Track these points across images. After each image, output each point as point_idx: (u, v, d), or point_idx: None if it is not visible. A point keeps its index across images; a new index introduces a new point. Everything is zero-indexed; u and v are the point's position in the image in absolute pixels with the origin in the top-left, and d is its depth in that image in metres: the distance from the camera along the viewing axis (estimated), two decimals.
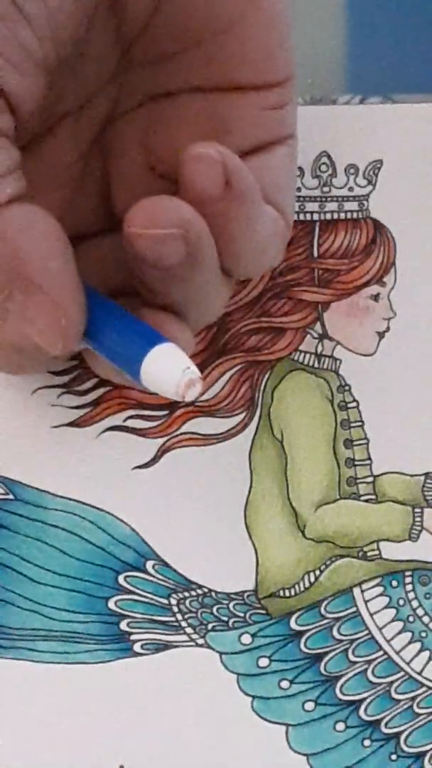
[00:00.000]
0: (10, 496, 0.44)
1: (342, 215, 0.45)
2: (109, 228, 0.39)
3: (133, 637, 0.44)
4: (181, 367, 0.34)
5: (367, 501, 0.45)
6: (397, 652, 0.44)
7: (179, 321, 0.37)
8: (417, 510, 0.45)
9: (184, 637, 0.44)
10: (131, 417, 0.44)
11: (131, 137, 0.39)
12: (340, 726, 0.44)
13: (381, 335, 0.45)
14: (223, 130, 0.38)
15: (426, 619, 0.45)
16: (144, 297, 0.37)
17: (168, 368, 0.34)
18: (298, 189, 0.45)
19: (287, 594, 0.44)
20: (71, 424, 0.44)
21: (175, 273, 0.35)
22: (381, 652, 0.44)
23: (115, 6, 0.36)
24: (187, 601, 0.44)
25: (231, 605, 0.44)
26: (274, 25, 0.37)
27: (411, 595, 0.45)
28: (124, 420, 0.44)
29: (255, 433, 0.44)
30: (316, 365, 0.45)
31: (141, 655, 0.44)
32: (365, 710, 0.44)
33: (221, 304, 0.38)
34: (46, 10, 0.33)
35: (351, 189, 0.45)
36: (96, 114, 0.39)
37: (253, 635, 0.44)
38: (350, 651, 0.44)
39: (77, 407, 0.44)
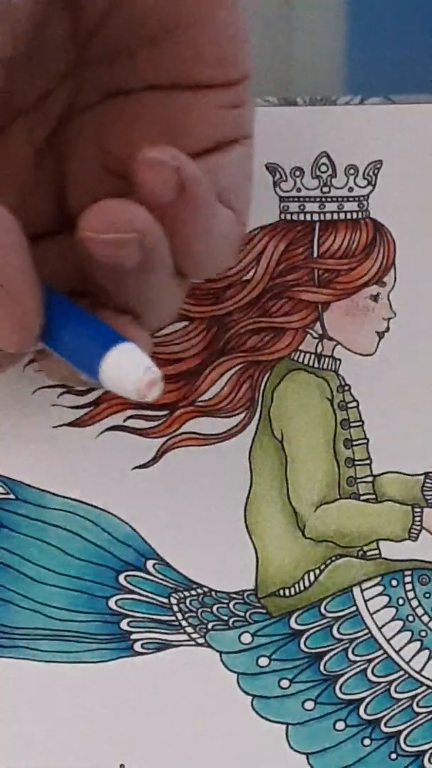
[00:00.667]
0: (11, 496, 0.44)
1: (342, 215, 0.45)
2: (63, 228, 0.39)
3: (133, 637, 0.44)
4: (141, 366, 0.33)
5: (366, 501, 0.45)
6: (397, 652, 0.44)
7: (135, 322, 0.36)
8: (417, 510, 0.45)
9: (185, 637, 0.44)
10: (131, 417, 0.44)
11: (86, 135, 0.38)
12: (340, 725, 0.44)
13: (381, 335, 0.45)
14: (179, 129, 0.37)
15: (426, 618, 0.45)
16: (98, 298, 0.36)
17: (128, 368, 0.33)
18: (298, 189, 0.45)
19: (287, 593, 0.44)
20: (71, 424, 0.44)
21: (129, 275, 0.35)
22: (381, 652, 0.44)
23: (72, 3, 0.36)
24: (188, 601, 0.44)
25: (231, 604, 0.44)
26: (231, 23, 0.37)
27: (410, 595, 0.45)
28: (124, 420, 0.44)
29: (255, 433, 0.44)
30: (316, 365, 0.45)
31: (141, 654, 0.44)
32: (365, 709, 0.44)
33: (176, 306, 0.38)
34: (2, 5, 0.33)
35: (351, 189, 0.45)
36: (51, 111, 0.38)
37: (253, 634, 0.44)
38: (350, 650, 0.44)
39: (77, 407, 0.44)
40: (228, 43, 0.37)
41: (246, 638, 0.44)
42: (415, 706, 0.44)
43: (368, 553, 0.45)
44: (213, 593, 0.44)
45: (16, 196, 0.38)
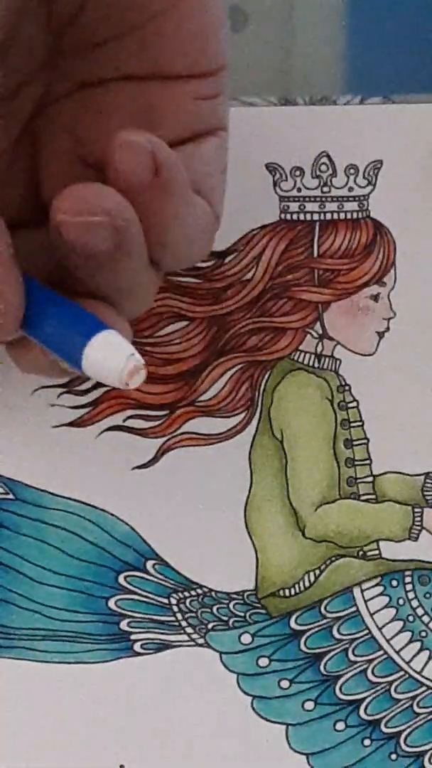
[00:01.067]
0: (11, 496, 0.44)
1: (342, 215, 0.45)
2: (37, 219, 0.38)
3: (133, 637, 0.44)
4: (124, 354, 0.33)
5: (367, 501, 0.45)
6: (397, 652, 0.44)
7: (113, 309, 0.36)
8: (417, 510, 0.45)
9: (184, 637, 0.44)
10: (131, 417, 0.44)
11: (61, 125, 0.38)
12: (340, 725, 0.44)
13: (381, 335, 0.45)
14: (154, 119, 0.37)
15: (426, 618, 0.45)
16: (72, 287, 0.36)
17: (111, 355, 0.33)
18: (299, 189, 0.45)
19: (287, 594, 0.44)
20: (71, 424, 0.44)
21: (103, 262, 0.35)
22: (381, 652, 0.44)
23: None
24: (187, 601, 0.44)
25: (231, 605, 0.44)
26: (207, 14, 0.37)
27: (411, 595, 0.45)
28: (124, 420, 0.44)
29: (255, 433, 0.44)
30: (316, 365, 0.45)
31: (141, 654, 0.44)
32: (365, 710, 0.44)
33: (150, 296, 0.38)
34: None
35: (351, 189, 0.45)
36: (26, 102, 0.38)
37: (253, 635, 0.44)
38: (350, 650, 0.44)
39: (77, 407, 0.44)
40: (203, 34, 0.37)
41: (246, 638, 0.44)
42: (415, 706, 0.44)
43: (368, 554, 0.45)
44: (213, 593, 0.44)
45: None
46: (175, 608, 0.44)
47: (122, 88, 0.38)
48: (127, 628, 0.44)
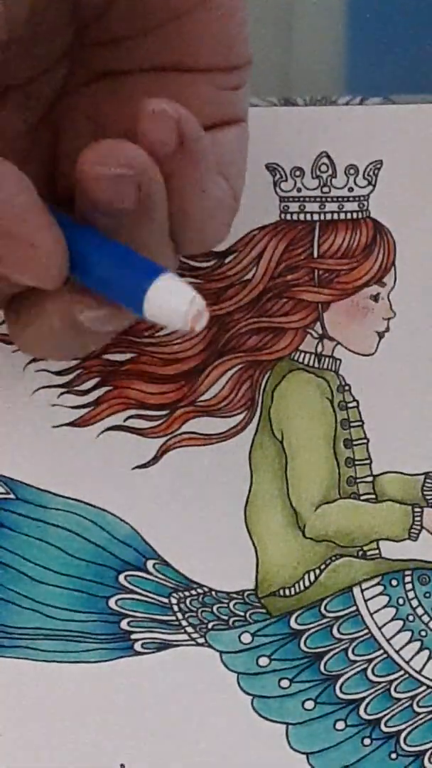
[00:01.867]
0: (11, 496, 0.44)
1: (342, 215, 0.45)
2: (54, 202, 0.38)
3: (133, 636, 0.44)
4: (188, 297, 0.32)
5: (366, 500, 0.45)
6: (397, 651, 0.44)
7: None
8: (417, 509, 0.45)
9: (185, 636, 0.44)
10: (131, 417, 0.44)
11: (82, 112, 0.38)
12: (340, 725, 0.44)
13: (381, 335, 0.45)
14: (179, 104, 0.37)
15: (426, 618, 0.45)
16: None
17: (175, 298, 0.32)
18: (299, 189, 0.45)
19: (287, 593, 0.44)
20: (71, 424, 0.44)
21: (125, 224, 0.34)
22: (381, 651, 0.44)
23: None
24: (188, 600, 0.44)
25: (231, 604, 0.44)
26: (234, 11, 0.37)
27: (411, 594, 0.45)
28: (124, 420, 0.44)
29: (255, 433, 0.44)
30: (316, 365, 0.45)
31: (141, 654, 0.44)
32: (365, 709, 0.44)
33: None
34: None
35: (351, 189, 0.45)
36: (47, 88, 0.38)
37: (253, 634, 0.44)
38: (350, 650, 0.44)
39: (77, 407, 0.44)
40: (230, 33, 0.37)
41: (246, 638, 0.44)
42: (415, 705, 0.44)
43: (368, 553, 0.45)
44: (213, 593, 0.44)
45: None
46: (176, 608, 0.44)
47: (144, 78, 0.38)
48: (127, 628, 0.44)
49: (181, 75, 0.37)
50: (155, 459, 0.44)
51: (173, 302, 0.32)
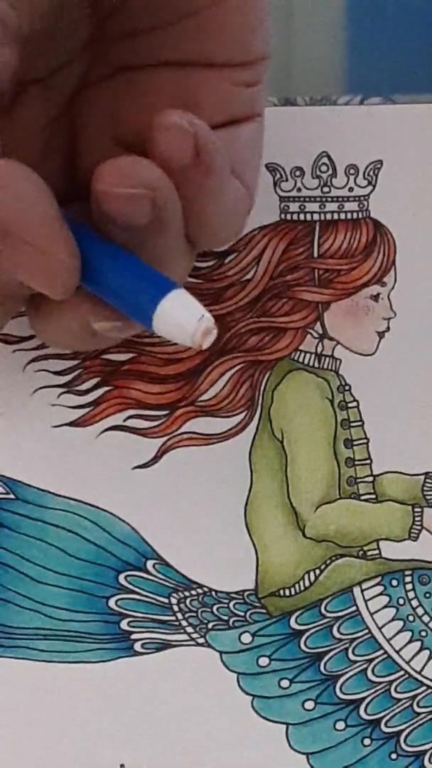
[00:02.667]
0: (11, 496, 0.44)
1: (342, 215, 0.45)
2: (72, 196, 0.38)
3: (133, 637, 0.44)
4: (197, 314, 0.33)
5: (367, 500, 0.45)
6: (397, 651, 0.44)
7: None
8: (417, 509, 0.45)
9: (185, 637, 0.44)
10: (131, 417, 0.44)
11: (100, 106, 0.39)
12: (340, 725, 0.44)
13: (381, 335, 0.45)
14: (193, 102, 0.37)
15: (426, 618, 0.45)
16: None
17: (184, 315, 0.33)
18: (299, 189, 0.45)
19: (287, 593, 0.44)
20: (71, 424, 0.44)
21: (140, 236, 0.35)
22: (381, 651, 0.44)
23: None
24: (188, 601, 0.44)
25: (231, 604, 0.44)
26: (253, 5, 0.37)
27: (411, 595, 0.45)
28: (124, 420, 0.44)
29: (255, 433, 0.44)
30: (316, 365, 0.45)
31: (141, 654, 0.44)
32: (365, 709, 0.44)
33: (184, 272, 0.38)
34: None
35: (351, 189, 0.45)
36: (66, 82, 0.38)
37: (254, 634, 0.44)
38: (350, 650, 0.44)
39: (77, 407, 0.44)
40: (249, 27, 0.37)
41: (246, 638, 0.44)
42: (415, 706, 0.44)
43: (368, 553, 0.45)
44: (213, 593, 0.44)
45: (28, 164, 0.38)
46: (176, 608, 0.44)
47: (163, 72, 0.38)
48: (127, 628, 0.44)
49: (199, 70, 0.37)
50: (155, 459, 0.44)
51: (182, 319, 0.33)
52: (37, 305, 0.37)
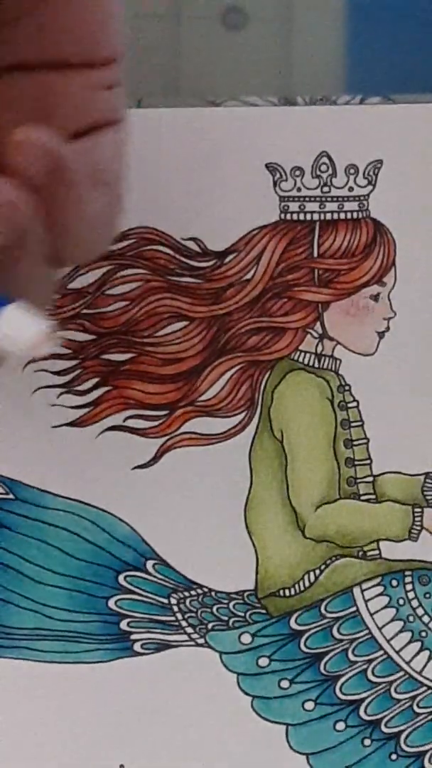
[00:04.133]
0: (11, 496, 0.44)
1: (342, 215, 0.45)
2: None
3: (133, 637, 0.44)
4: (35, 325, 0.33)
5: (367, 501, 0.45)
6: (397, 652, 0.44)
7: None
8: (417, 510, 0.45)
9: (184, 637, 0.44)
10: (131, 417, 0.44)
11: None
12: (340, 725, 0.44)
13: (381, 335, 0.45)
14: (51, 110, 0.37)
15: (426, 618, 0.45)
16: None
17: (21, 325, 0.33)
18: (299, 189, 0.45)
19: (287, 593, 0.44)
20: (71, 424, 0.44)
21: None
22: (381, 652, 0.44)
23: None
24: (187, 601, 0.44)
25: (231, 605, 0.44)
26: (101, 3, 0.36)
27: (411, 595, 0.45)
28: (124, 420, 0.44)
29: (255, 433, 0.44)
30: (316, 365, 0.45)
31: (141, 654, 0.44)
32: (365, 710, 0.44)
33: (48, 293, 0.37)
34: None
35: (351, 189, 0.45)
36: None
37: (253, 635, 0.44)
38: (350, 650, 0.44)
39: (77, 407, 0.44)
40: (97, 22, 0.36)
41: (246, 638, 0.44)
42: (415, 706, 0.44)
43: (368, 553, 0.45)
44: (213, 593, 0.44)
45: None
46: (175, 608, 0.44)
47: (14, 79, 0.37)
48: (127, 628, 0.44)
49: (51, 75, 0.37)
50: (155, 459, 0.44)
51: (20, 329, 0.33)
52: None
